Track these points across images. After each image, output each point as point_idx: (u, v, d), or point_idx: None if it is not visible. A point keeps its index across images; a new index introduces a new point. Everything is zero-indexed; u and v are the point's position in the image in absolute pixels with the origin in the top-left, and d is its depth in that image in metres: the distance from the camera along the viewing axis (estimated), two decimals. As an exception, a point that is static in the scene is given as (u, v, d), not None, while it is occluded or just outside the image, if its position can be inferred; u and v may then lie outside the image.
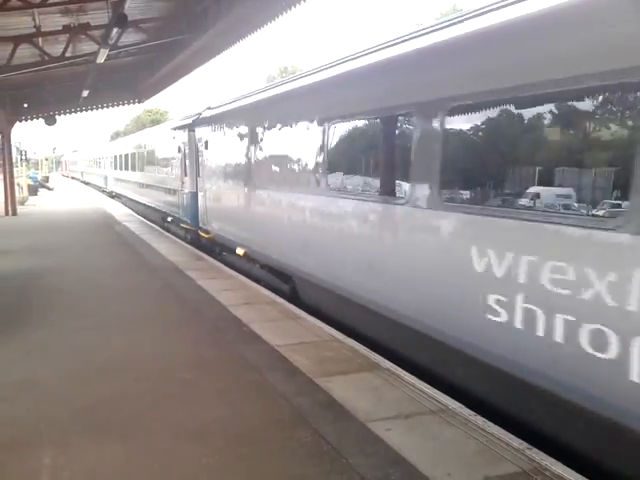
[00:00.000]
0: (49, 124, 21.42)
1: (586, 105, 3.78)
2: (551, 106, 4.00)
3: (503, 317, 4.13)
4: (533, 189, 4.21)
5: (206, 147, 12.63)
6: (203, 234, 13.36)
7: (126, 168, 26.23)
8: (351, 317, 6.64)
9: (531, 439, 3.81)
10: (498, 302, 4.17)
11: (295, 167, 7.99)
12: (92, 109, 21.63)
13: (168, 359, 5.46)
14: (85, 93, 18.31)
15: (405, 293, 5.39)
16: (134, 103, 22.10)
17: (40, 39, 12.62)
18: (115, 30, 10.76)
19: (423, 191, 5.03)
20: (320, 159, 7.10)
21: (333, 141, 6.93)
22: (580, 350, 3.54)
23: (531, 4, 4.22)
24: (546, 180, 4.14)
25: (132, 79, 19.87)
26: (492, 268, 4.21)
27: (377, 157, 6.38)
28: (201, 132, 13.18)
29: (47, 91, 19.51)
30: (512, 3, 4.45)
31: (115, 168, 30.68)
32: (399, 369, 5.11)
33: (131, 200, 25.51)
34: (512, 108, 4.31)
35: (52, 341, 6.11)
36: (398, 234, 5.59)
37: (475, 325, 4.41)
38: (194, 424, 4.09)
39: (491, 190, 4.73)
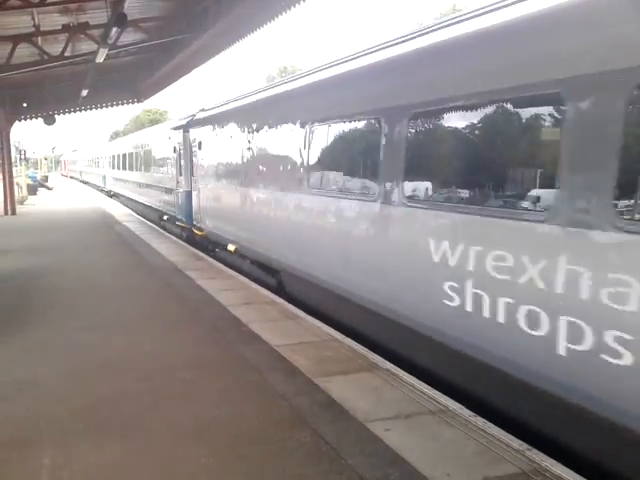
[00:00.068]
0: (48, 123, 21.41)
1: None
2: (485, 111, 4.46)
3: (456, 302, 4.64)
4: (476, 187, 4.70)
5: (199, 147, 12.91)
6: (197, 231, 13.53)
7: (124, 168, 26.34)
8: (332, 307, 6.98)
9: (531, 439, 3.82)
10: (452, 288, 4.64)
11: (280, 167, 8.29)
12: (91, 109, 21.61)
13: (168, 359, 5.46)
14: (84, 92, 18.30)
15: (375, 282, 5.81)
16: (133, 103, 22.08)
17: (39, 38, 12.61)
18: (114, 29, 10.77)
19: (390, 189, 5.50)
20: (302, 159, 7.44)
21: (313, 142, 7.23)
22: (518, 328, 3.98)
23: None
24: (485, 178, 4.62)
25: (131, 79, 19.84)
26: (447, 257, 4.67)
27: (352, 158, 6.74)
28: (195, 133, 13.43)
29: (46, 90, 19.47)
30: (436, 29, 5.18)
31: (113, 168, 30.78)
32: (399, 369, 5.12)
33: (128, 199, 25.65)
34: (451, 115, 4.84)
35: (52, 340, 6.11)
36: (370, 228, 5.99)
37: (435, 310, 4.89)
38: (194, 424, 4.09)
39: (443, 188, 5.17)
